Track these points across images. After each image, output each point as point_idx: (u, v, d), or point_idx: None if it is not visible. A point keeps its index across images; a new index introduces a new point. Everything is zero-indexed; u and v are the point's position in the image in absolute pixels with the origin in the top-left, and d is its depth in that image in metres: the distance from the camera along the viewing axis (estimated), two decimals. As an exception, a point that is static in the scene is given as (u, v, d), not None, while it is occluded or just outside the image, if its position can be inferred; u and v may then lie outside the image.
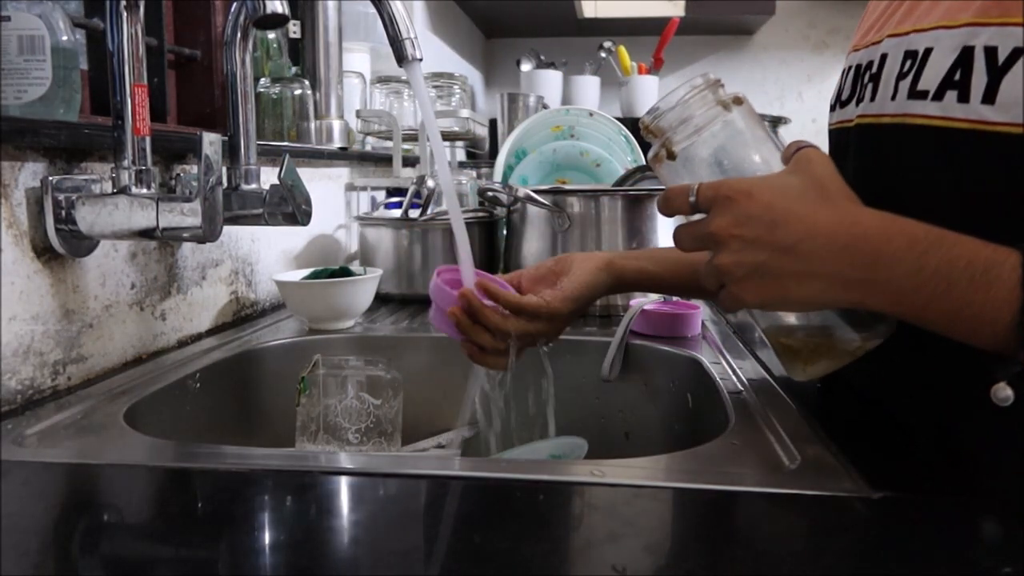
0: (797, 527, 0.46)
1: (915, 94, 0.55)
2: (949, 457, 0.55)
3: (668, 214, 0.54)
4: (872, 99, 0.60)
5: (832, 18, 3.01)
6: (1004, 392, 0.46)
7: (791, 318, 0.54)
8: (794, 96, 3.07)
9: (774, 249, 0.47)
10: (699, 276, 0.53)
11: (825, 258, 0.46)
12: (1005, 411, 0.54)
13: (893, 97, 0.57)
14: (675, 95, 0.55)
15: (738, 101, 0.54)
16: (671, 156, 0.54)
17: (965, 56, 0.51)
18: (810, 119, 3.03)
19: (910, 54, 0.56)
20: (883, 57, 0.60)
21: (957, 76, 0.51)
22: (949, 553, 0.43)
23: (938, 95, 0.53)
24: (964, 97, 0.51)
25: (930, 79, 0.53)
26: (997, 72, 0.49)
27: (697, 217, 0.52)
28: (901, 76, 0.57)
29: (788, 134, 2.80)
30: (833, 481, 0.51)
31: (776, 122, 2.76)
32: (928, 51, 0.54)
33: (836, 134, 0.67)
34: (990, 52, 0.50)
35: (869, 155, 0.61)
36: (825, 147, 0.73)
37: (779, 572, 0.41)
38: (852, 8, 2.94)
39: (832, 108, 0.69)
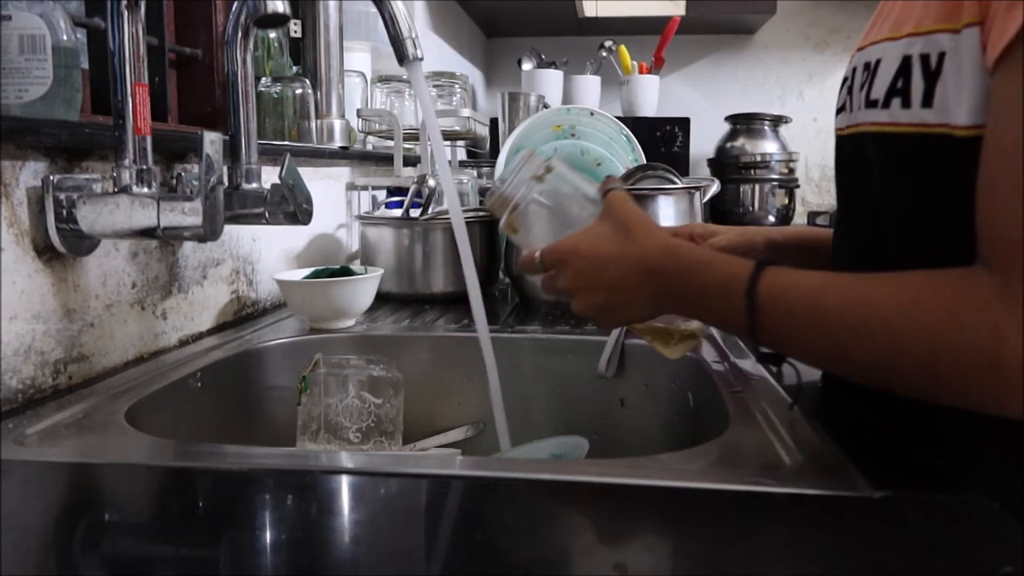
0: (797, 527, 0.46)
1: (869, 103, 0.59)
2: (949, 457, 0.55)
3: (530, 274, 0.66)
4: (851, 110, 0.64)
5: (833, 17, 3.01)
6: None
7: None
8: (795, 95, 3.06)
9: (605, 288, 0.59)
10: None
11: (637, 287, 0.59)
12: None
13: (859, 107, 0.61)
14: (502, 176, 0.64)
15: (548, 169, 0.64)
16: (513, 230, 0.66)
17: (905, 65, 0.55)
18: (811, 118, 3.03)
19: (867, 66, 0.60)
20: (854, 71, 0.64)
21: (899, 84, 0.55)
22: (949, 553, 0.43)
23: (886, 103, 0.57)
24: (907, 103, 0.55)
25: (879, 88, 0.58)
26: (931, 77, 0.53)
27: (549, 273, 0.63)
28: (861, 87, 0.61)
29: (789, 133, 2.80)
30: (833, 481, 0.51)
31: (777, 121, 2.76)
32: (878, 62, 0.58)
33: (836, 141, 0.70)
34: (924, 59, 0.54)
35: (850, 162, 0.65)
36: (826, 144, 0.78)
37: (779, 572, 0.41)
38: (853, 7, 2.94)
39: (836, 116, 0.72)
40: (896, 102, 0.56)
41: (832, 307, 0.51)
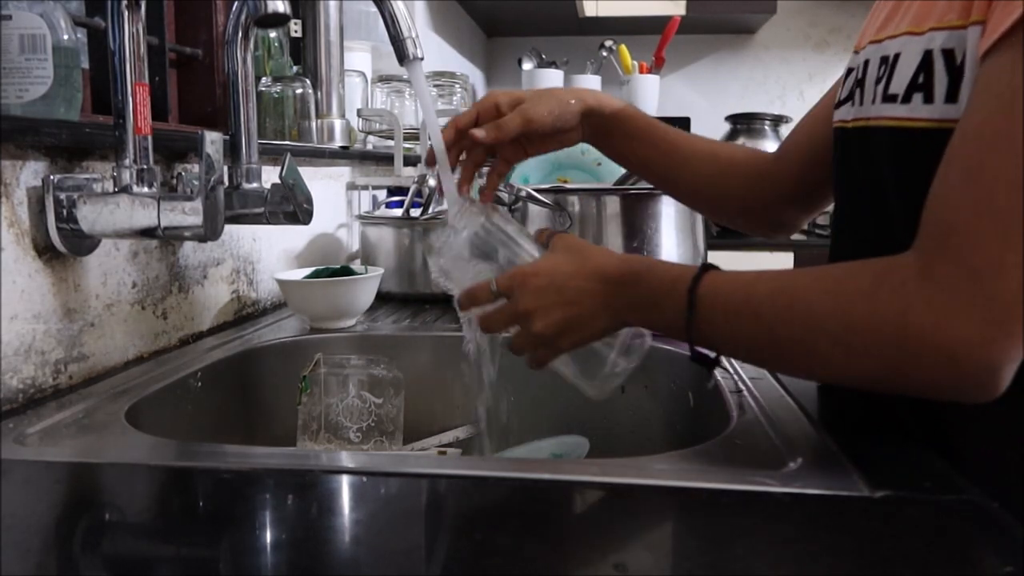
0: (797, 527, 0.46)
1: (887, 98, 0.58)
2: (949, 457, 0.55)
3: (472, 305, 0.66)
4: (861, 103, 0.63)
5: (833, 17, 3.01)
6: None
7: (573, 366, 0.66)
8: (795, 95, 3.06)
9: (565, 305, 0.60)
10: (510, 347, 0.65)
11: (596, 299, 0.60)
12: (1005, 411, 0.54)
13: (873, 101, 0.60)
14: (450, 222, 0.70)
15: (490, 215, 0.68)
16: (445, 274, 0.68)
17: (927, 60, 0.54)
18: (811, 118, 3.02)
19: (884, 60, 0.59)
20: (866, 63, 0.63)
21: (921, 79, 0.55)
22: (949, 553, 0.43)
23: (906, 98, 0.56)
24: (929, 98, 0.54)
25: (899, 83, 0.57)
26: (957, 72, 0.53)
27: (499, 304, 0.63)
28: (877, 81, 0.60)
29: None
30: (833, 481, 0.51)
31: (777, 121, 2.76)
32: (897, 56, 0.57)
33: (835, 133, 0.69)
34: (948, 54, 0.53)
35: (857, 157, 0.64)
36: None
37: (779, 572, 0.41)
38: (853, 7, 2.93)
39: (836, 107, 0.71)
40: (918, 97, 0.55)
41: (764, 293, 0.54)
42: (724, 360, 0.85)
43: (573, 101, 0.77)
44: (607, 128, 0.80)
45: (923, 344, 0.47)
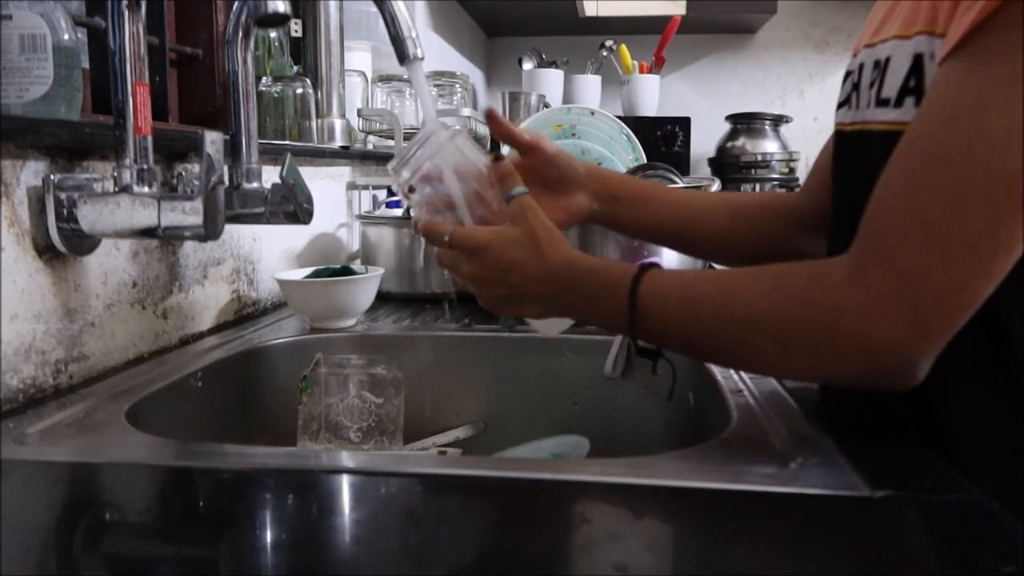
0: (797, 527, 0.46)
1: (880, 102, 0.58)
2: (949, 457, 0.55)
3: (427, 239, 0.68)
4: (857, 107, 0.63)
5: (834, 17, 3.01)
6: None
7: None
8: (796, 95, 3.06)
9: (507, 286, 0.64)
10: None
11: (535, 290, 0.63)
12: (1005, 412, 0.54)
13: (868, 105, 0.61)
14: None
15: (453, 138, 0.67)
16: (412, 190, 0.69)
17: (917, 64, 0.55)
18: (812, 117, 3.03)
19: (877, 64, 0.60)
20: (860, 67, 0.63)
21: (912, 83, 0.55)
22: (949, 553, 0.43)
23: (898, 102, 0.56)
24: (920, 102, 0.54)
25: (890, 87, 0.57)
26: None
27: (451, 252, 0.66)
28: (871, 85, 0.60)
29: (790, 132, 2.80)
30: (833, 481, 0.51)
31: (778, 121, 2.76)
32: (888, 60, 0.58)
33: (835, 135, 0.69)
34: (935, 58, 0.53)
35: (854, 160, 0.64)
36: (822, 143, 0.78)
37: (779, 572, 0.41)
38: (853, 7, 2.94)
39: (836, 109, 0.71)
40: (909, 101, 0.55)
41: (702, 295, 0.56)
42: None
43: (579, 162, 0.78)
44: (614, 191, 0.79)
45: (851, 343, 0.50)
